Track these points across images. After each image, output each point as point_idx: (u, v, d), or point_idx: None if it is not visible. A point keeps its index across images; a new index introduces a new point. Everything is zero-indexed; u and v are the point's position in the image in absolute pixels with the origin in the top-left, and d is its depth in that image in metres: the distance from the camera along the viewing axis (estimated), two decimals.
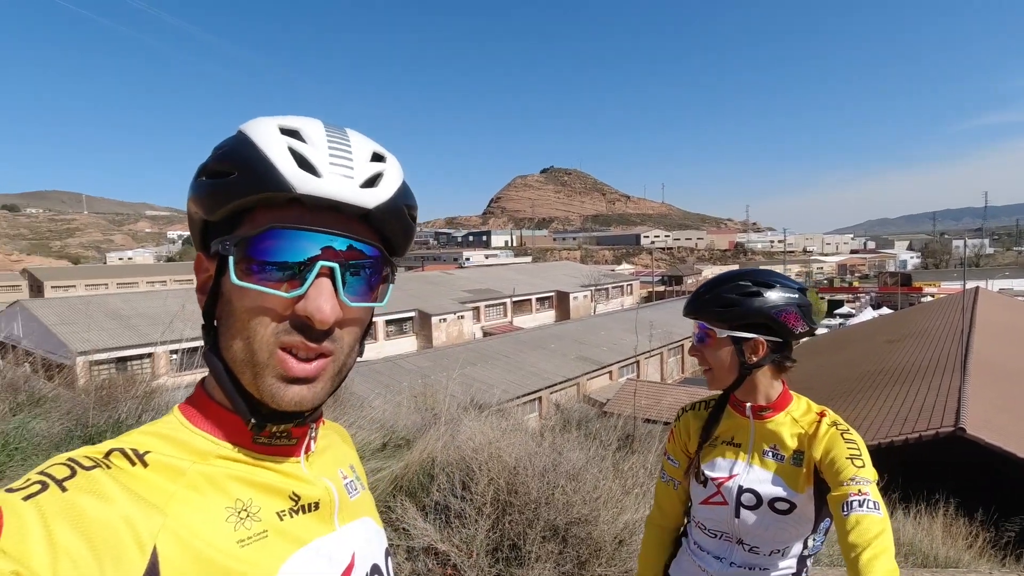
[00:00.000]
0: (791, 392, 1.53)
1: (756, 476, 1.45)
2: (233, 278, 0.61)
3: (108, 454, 0.58)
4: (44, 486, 0.51)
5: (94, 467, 0.55)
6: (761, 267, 1.61)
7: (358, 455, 0.93)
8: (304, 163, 0.61)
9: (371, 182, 0.66)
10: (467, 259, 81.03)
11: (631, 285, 58.27)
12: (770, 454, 1.47)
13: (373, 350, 31.99)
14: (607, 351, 26.62)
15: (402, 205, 0.69)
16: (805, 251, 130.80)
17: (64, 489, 0.51)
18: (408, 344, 34.66)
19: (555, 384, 22.31)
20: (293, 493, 0.68)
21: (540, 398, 21.24)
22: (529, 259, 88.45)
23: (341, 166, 0.63)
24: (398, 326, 35.50)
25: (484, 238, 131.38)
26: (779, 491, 1.42)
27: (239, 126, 0.66)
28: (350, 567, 0.71)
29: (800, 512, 1.41)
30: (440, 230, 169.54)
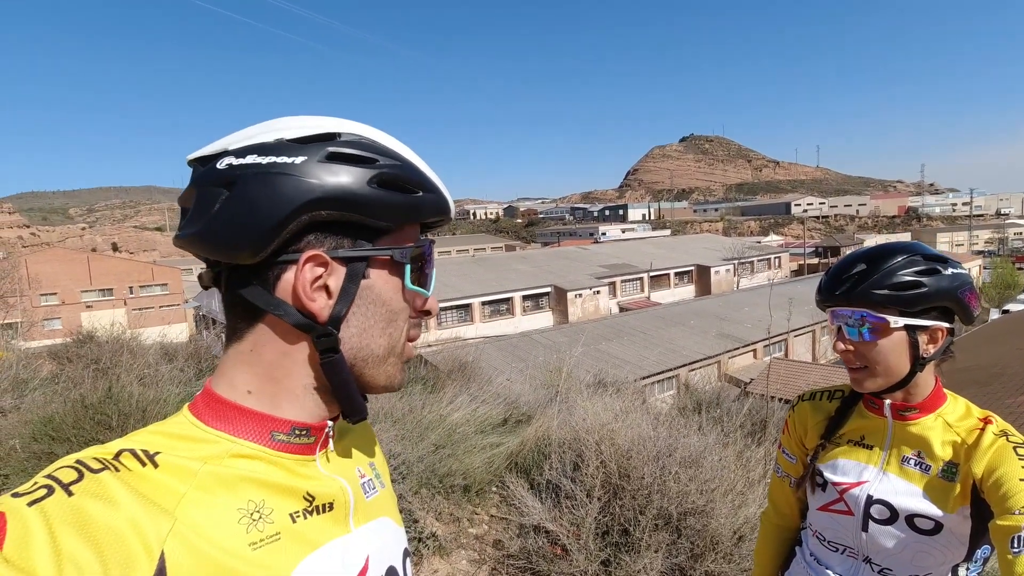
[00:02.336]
0: (945, 390, 1.26)
1: (891, 486, 1.22)
2: (409, 284, 0.70)
3: (118, 455, 0.57)
4: (50, 490, 0.51)
5: (102, 469, 0.54)
6: (911, 239, 1.30)
7: (382, 449, 0.93)
8: (444, 187, 0.74)
9: None
10: (603, 234, 79.95)
11: (779, 258, 54.08)
12: (912, 462, 1.22)
13: (510, 325, 32.96)
14: (751, 328, 25.00)
15: None
16: (999, 214, 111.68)
17: (70, 493, 0.51)
18: (544, 319, 35.21)
19: (693, 362, 21.47)
20: (307, 493, 0.66)
21: (677, 376, 20.57)
22: (667, 232, 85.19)
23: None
24: (534, 301, 36.18)
25: (620, 212, 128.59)
26: (921, 507, 1.18)
27: (363, 134, 0.70)
28: (364, 570, 0.69)
29: (948, 534, 1.17)
30: (575, 205, 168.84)
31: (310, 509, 0.66)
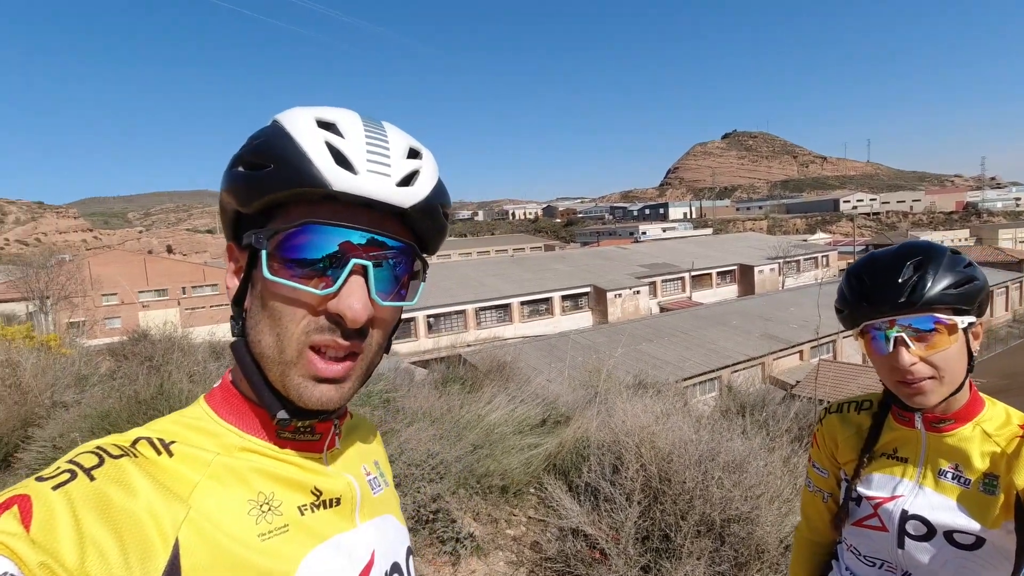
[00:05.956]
0: (982, 395, 1.18)
1: (927, 501, 1.15)
2: (265, 272, 0.61)
3: (135, 442, 0.58)
4: (73, 475, 0.51)
5: (122, 456, 0.55)
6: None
7: (385, 452, 0.93)
8: (341, 159, 0.60)
9: (407, 180, 0.64)
10: (643, 233, 79.00)
11: (827, 256, 52.39)
12: (949, 475, 1.15)
13: (549, 325, 32.89)
14: (796, 329, 24.28)
15: (437, 204, 0.68)
16: None
17: (92, 478, 0.52)
18: (583, 319, 35.01)
19: (736, 363, 20.97)
20: (315, 488, 0.67)
21: (720, 377, 20.13)
22: (709, 231, 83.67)
23: (378, 163, 0.62)
24: (573, 301, 36.01)
25: (661, 211, 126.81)
26: (960, 522, 1.11)
27: (274, 115, 0.65)
28: (370, 564, 0.70)
29: (992, 549, 1.09)
30: (615, 204, 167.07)
31: (317, 503, 0.67)
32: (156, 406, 4.28)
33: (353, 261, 0.61)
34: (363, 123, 0.64)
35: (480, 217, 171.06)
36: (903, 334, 1.11)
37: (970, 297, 1.10)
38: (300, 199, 0.61)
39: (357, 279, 0.61)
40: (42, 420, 4.70)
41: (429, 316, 30.18)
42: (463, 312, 31.35)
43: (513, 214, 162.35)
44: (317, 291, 0.60)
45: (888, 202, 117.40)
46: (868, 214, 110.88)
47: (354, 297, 0.60)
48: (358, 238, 0.61)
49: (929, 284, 1.10)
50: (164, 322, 8.25)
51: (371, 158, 0.62)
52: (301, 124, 0.62)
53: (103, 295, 40.12)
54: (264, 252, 0.61)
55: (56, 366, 5.83)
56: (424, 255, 0.71)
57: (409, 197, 0.64)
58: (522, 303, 33.86)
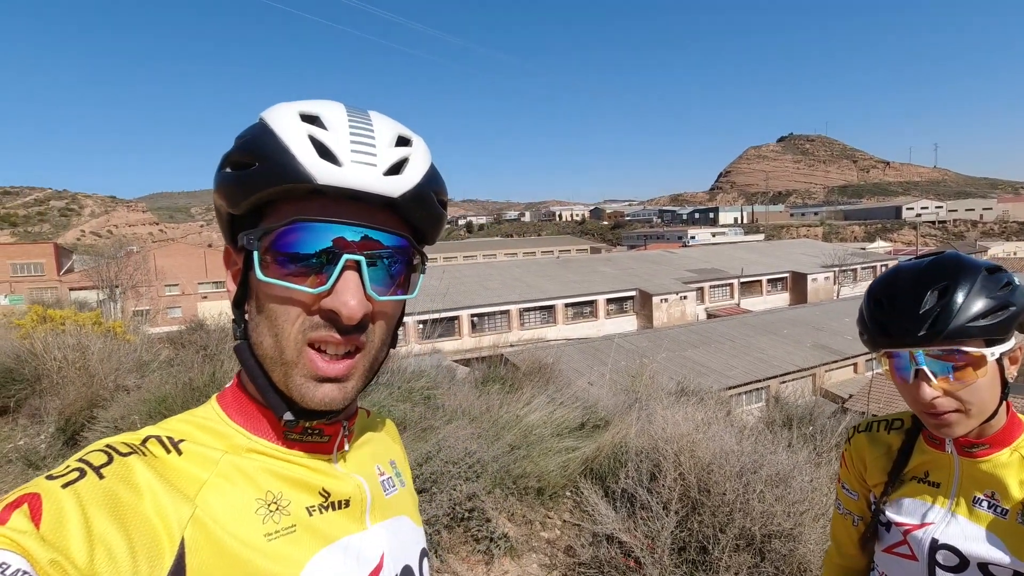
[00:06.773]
0: (1022, 417, 1.11)
1: (960, 530, 1.08)
2: (258, 273, 0.61)
3: (145, 441, 0.59)
4: (82, 473, 0.52)
5: (130, 453, 0.56)
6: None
7: (404, 450, 0.92)
8: (324, 152, 0.60)
9: (395, 169, 0.63)
10: (692, 237, 77.59)
11: (886, 265, 50.07)
12: (984, 503, 1.08)
13: (593, 328, 32.66)
14: (851, 340, 23.27)
15: (429, 191, 0.66)
16: None
17: (101, 476, 0.52)
18: (628, 323, 34.65)
19: (785, 373, 20.34)
20: (323, 489, 0.67)
21: (767, 387, 19.56)
22: (761, 237, 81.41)
23: (363, 153, 0.61)
24: (618, 305, 35.67)
25: (711, 215, 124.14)
26: (995, 554, 1.04)
27: (260, 113, 0.65)
28: (378, 567, 0.69)
29: None
30: (664, 208, 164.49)
31: (326, 504, 0.66)
32: (208, 393, 4.46)
33: (345, 257, 0.60)
34: (348, 114, 0.64)
35: (527, 218, 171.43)
36: (925, 367, 1.02)
37: (1003, 327, 1.00)
38: (288, 196, 0.61)
39: (351, 275, 0.61)
40: (106, 402, 4.97)
41: (473, 315, 30.43)
42: (507, 312, 31.47)
43: (560, 215, 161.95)
44: (311, 289, 0.60)
45: (956, 210, 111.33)
46: (933, 222, 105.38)
47: (348, 293, 0.60)
48: (351, 234, 0.61)
49: (954, 314, 1.00)
50: (219, 313, 8.60)
51: (355, 148, 0.61)
52: (284, 119, 0.62)
53: (166, 285, 42.16)
54: (256, 253, 0.61)
55: (120, 351, 6.16)
56: (422, 246, 0.69)
57: (398, 186, 0.62)
58: (566, 305, 33.74)
